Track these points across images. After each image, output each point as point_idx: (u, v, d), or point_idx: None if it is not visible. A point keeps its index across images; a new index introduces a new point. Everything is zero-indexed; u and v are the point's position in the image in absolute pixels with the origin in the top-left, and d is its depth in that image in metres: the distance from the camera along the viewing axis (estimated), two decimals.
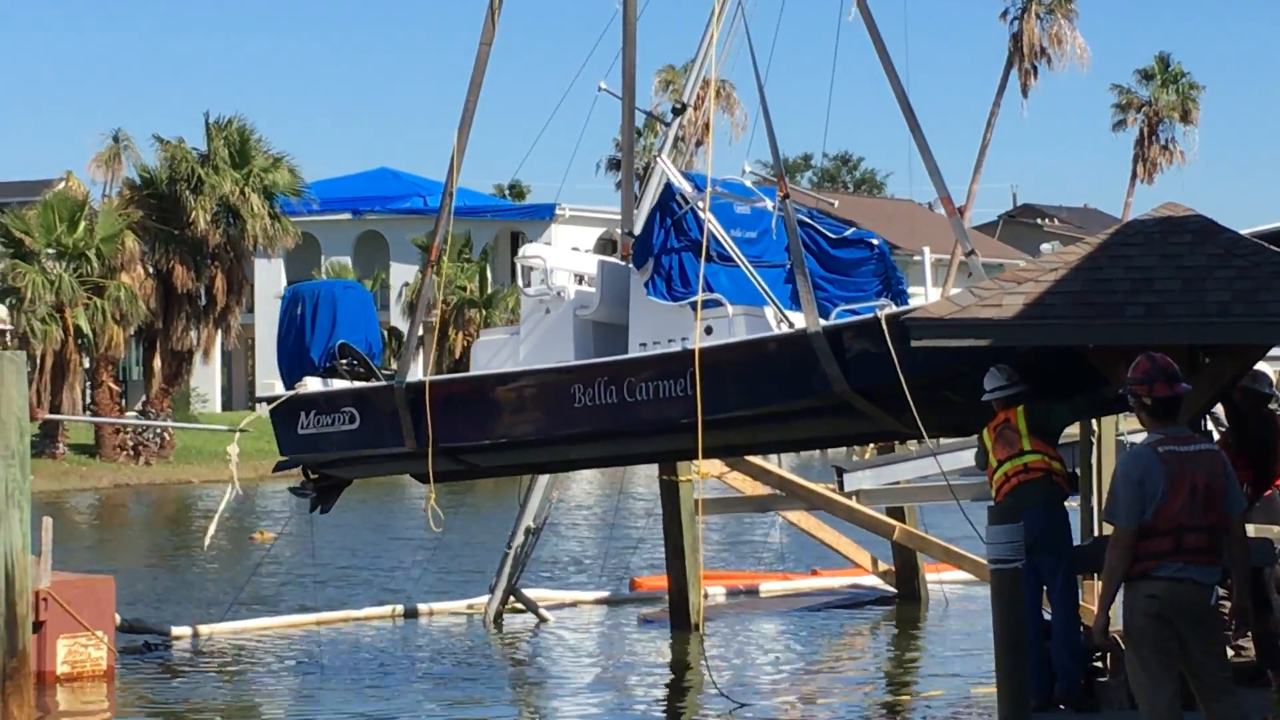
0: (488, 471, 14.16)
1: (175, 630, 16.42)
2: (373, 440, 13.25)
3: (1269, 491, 9.48)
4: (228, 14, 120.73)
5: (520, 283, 14.17)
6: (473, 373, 13.51)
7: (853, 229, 13.05)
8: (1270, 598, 8.98)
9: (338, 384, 13.38)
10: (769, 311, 11.30)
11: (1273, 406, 10.43)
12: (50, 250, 34.83)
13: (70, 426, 36.14)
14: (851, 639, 17.59)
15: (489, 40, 11.75)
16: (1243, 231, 9.34)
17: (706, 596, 16.85)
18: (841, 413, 11.02)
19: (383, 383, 13.19)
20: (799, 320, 11.06)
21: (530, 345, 12.87)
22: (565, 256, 14.16)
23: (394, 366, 14.83)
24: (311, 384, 13.49)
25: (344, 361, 13.53)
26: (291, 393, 13.62)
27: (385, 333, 28.52)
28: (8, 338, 16.18)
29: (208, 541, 15.56)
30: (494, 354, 13.27)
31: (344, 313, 14.13)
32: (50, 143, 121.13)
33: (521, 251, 13.54)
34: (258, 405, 19.33)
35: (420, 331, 15.44)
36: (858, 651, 16.68)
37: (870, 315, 10.35)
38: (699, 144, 31.85)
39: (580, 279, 12.84)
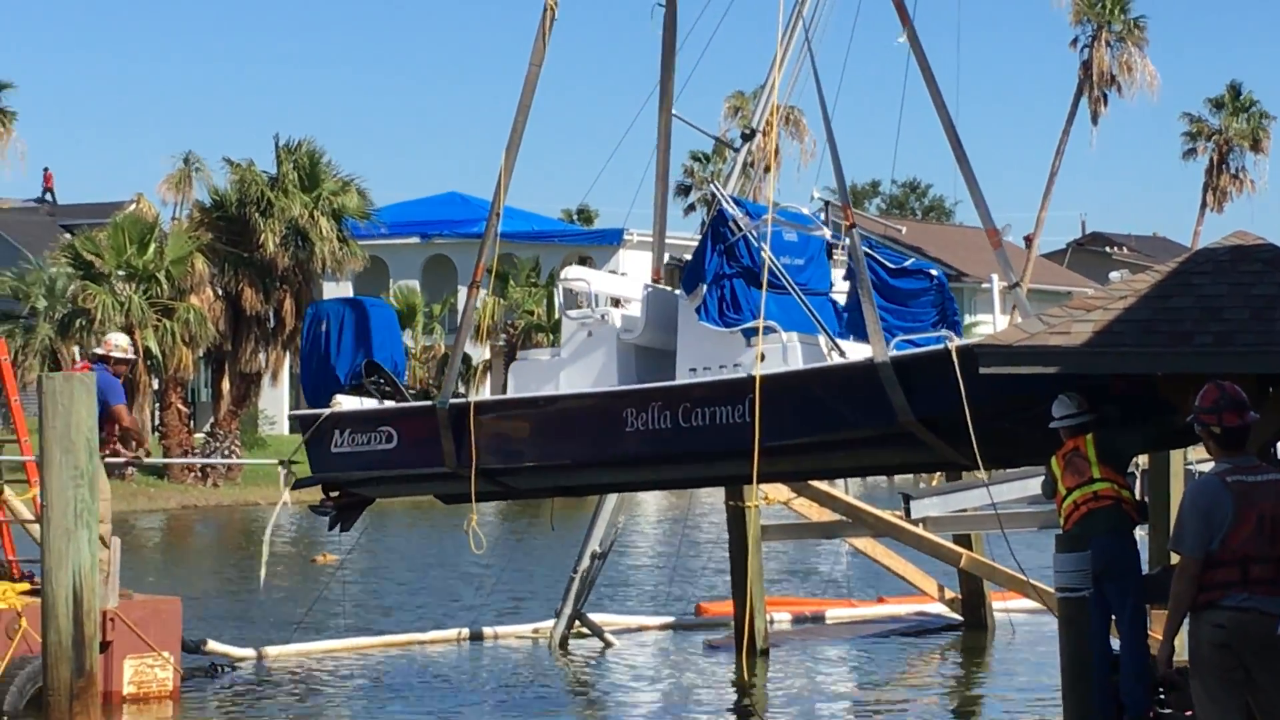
0: (524, 493, 14.37)
1: (240, 652, 16.68)
2: (410, 460, 13.38)
3: None
4: (299, 39, 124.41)
5: (562, 305, 14.42)
6: (521, 394, 13.44)
7: (913, 259, 13.19)
8: None
9: (369, 403, 13.53)
10: (821, 339, 11.42)
11: None
12: (120, 272, 35.50)
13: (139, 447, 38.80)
14: (917, 666, 17.71)
15: (539, 62, 11.97)
16: None
17: (772, 622, 16.96)
18: (902, 442, 11.08)
19: (425, 403, 13.45)
20: (848, 347, 11.26)
21: (572, 368, 12.94)
22: (608, 280, 14.34)
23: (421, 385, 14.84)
24: (346, 402, 13.66)
25: (370, 380, 13.76)
26: (329, 411, 13.68)
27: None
28: (129, 368, 16.64)
29: (263, 573, 15.36)
30: (532, 376, 13.37)
31: (368, 331, 14.36)
32: (121, 165, 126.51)
33: (564, 274, 13.69)
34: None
35: (455, 351, 15.48)
36: (924, 679, 16.76)
37: (940, 346, 10.44)
38: (767, 169, 30.40)
39: (616, 302, 12.89)
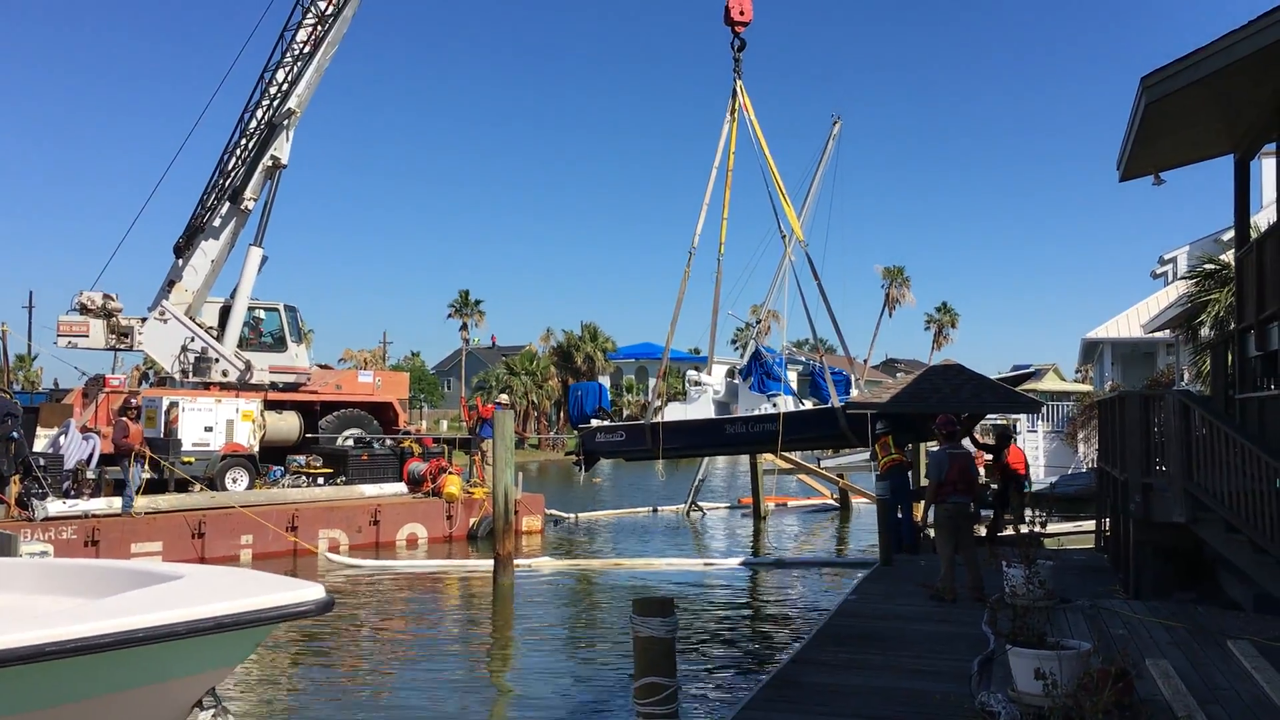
0: (678, 454, 27.64)
1: (565, 514, 32.09)
2: (632, 444, 26.62)
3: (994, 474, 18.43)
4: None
5: (689, 384, 28.65)
6: (677, 419, 26.61)
7: (804, 367, 33.56)
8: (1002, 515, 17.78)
9: (597, 422, 27.46)
10: (791, 399, 26.63)
11: (1010, 435, 20.68)
12: (521, 373, 71.06)
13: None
14: (823, 525, 32.72)
15: (679, 300, 32.41)
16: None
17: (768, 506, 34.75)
18: (840, 436, 23.62)
19: (640, 422, 27.34)
20: (803, 404, 25.81)
21: (692, 410, 27.07)
22: (709, 376, 28.24)
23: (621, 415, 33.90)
24: (595, 423, 27.56)
25: (598, 413, 28.19)
26: (598, 424, 27.50)
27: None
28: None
29: (581, 479, 33.09)
30: (678, 413, 27.03)
31: (593, 395, 28.95)
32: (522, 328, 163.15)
33: (689, 374, 29.32)
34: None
35: (656, 403, 32.01)
36: (824, 532, 32.13)
37: (846, 402, 22.03)
38: (766, 331, 54.36)
39: (699, 383, 27.68)
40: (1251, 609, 11.70)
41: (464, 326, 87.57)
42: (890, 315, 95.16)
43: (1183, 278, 32.52)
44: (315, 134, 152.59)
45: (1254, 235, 16.13)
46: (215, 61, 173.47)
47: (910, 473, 19.04)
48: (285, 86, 28.91)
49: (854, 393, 25.57)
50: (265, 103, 28.97)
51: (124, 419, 24.41)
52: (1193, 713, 7.47)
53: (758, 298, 42.98)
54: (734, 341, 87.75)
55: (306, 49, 28.85)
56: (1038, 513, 20.91)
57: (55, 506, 22.39)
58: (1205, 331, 25.61)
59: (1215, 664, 9.22)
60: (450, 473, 28.91)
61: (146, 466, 24.96)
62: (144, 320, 29.43)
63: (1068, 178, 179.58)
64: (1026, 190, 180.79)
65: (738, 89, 26.97)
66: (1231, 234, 21.08)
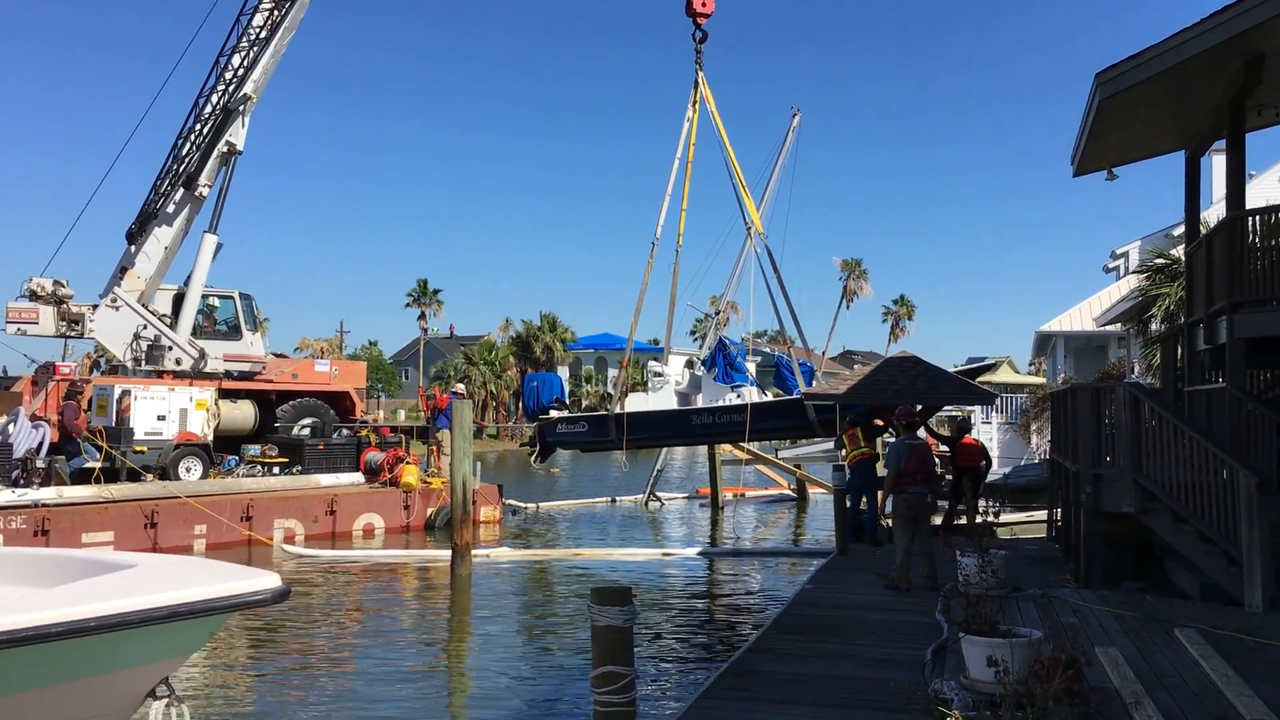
0: (642, 445, 28.02)
1: (522, 504, 32.36)
2: (595, 435, 26.87)
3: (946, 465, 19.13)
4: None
5: (651, 375, 28.65)
6: (644, 409, 26.50)
7: (763, 358, 33.34)
8: (959, 504, 18.17)
9: (555, 413, 27.39)
10: (755, 391, 26.92)
11: (968, 427, 22.11)
12: (480, 364, 69.85)
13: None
14: (780, 514, 32.92)
15: (641, 294, 32.96)
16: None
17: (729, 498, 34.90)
18: (807, 427, 24.57)
19: (604, 412, 28.78)
20: (765, 395, 25.84)
21: (654, 401, 27.13)
22: (669, 367, 28.19)
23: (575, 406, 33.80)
24: (555, 413, 27.55)
25: (555, 404, 28.08)
26: (561, 414, 27.64)
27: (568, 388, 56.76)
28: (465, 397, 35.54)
29: (537, 466, 32.10)
30: (639, 404, 27.21)
31: (550, 386, 28.76)
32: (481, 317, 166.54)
33: (650, 364, 29.35)
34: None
35: (616, 394, 31.95)
36: (781, 521, 32.17)
37: (802, 393, 22.69)
38: (725, 323, 55.90)
39: (660, 374, 27.99)
40: (1199, 598, 11.92)
41: (422, 316, 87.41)
42: (848, 307, 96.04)
43: (1134, 272, 33.05)
44: (272, 120, 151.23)
45: (1204, 231, 16.39)
46: (172, 43, 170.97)
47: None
48: (241, 72, 28.57)
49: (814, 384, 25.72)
50: (220, 88, 28.63)
51: (72, 402, 24.09)
52: (1140, 699, 7.60)
53: (718, 289, 43.14)
54: (693, 333, 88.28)
55: (263, 34, 28.52)
56: (991, 503, 21.10)
57: (4, 495, 21.98)
58: (1156, 325, 26.02)
59: (1163, 651, 9.39)
60: (408, 462, 28.78)
61: (101, 455, 24.64)
62: (95, 307, 29.01)
63: (1023, 173, 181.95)
64: (983, 185, 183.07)
65: (699, 80, 27.03)
66: (1182, 229, 21.43)
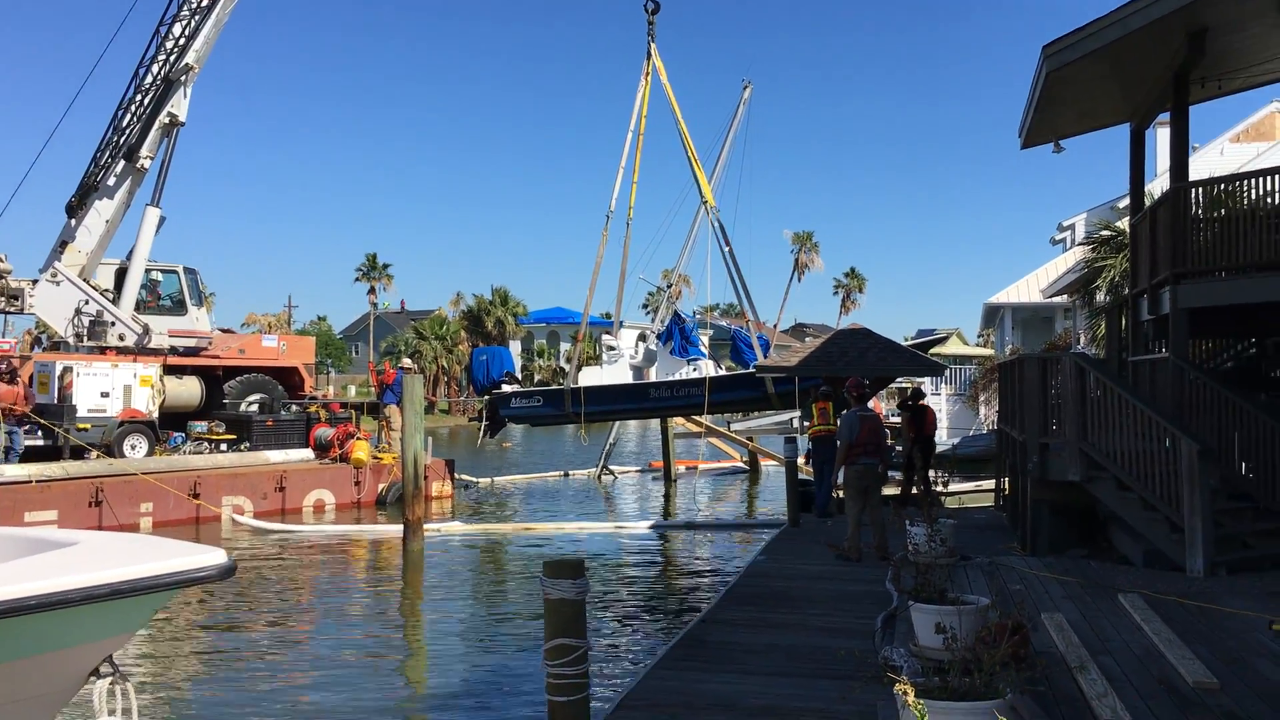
0: (596, 419, 27.40)
1: (474, 478, 32.23)
2: (551, 409, 26.81)
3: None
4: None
5: (604, 349, 29.41)
6: (600, 384, 26.73)
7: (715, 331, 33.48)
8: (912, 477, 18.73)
9: (507, 388, 27.52)
10: (711, 364, 28.59)
11: (923, 399, 20.86)
12: (431, 338, 70.15)
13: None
14: (734, 486, 33.33)
15: (596, 269, 32.80)
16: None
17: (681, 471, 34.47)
18: (765, 399, 24.51)
19: (560, 387, 28.62)
20: (720, 368, 27.32)
21: (609, 374, 27.50)
22: (620, 340, 28.85)
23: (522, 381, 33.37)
24: (507, 388, 27.72)
25: (505, 379, 27.95)
26: (514, 389, 27.88)
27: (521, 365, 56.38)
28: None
29: (482, 441, 32.21)
30: (594, 378, 27.57)
31: (501, 360, 28.70)
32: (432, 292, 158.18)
33: (604, 338, 30.11)
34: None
35: (570, 368, 31.80)
36: (733, 492, 32.51)
37: (755, 365, 23.48)
38: (678, 296, 54.94)
39: (613, 348, 28.90)
40: (1141, 564, 12.16)
41: (372, 290, 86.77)
42: (799, 280, 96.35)
43: (1080, 244, 33.47)
44: (215, 92, 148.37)
45: (1148, 203, 16.62)
46: (112, 9, 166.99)
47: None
48: (182, 41, 28.01)
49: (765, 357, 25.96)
50: (161, 58, 28.06)
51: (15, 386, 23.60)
52: (1085, 663, 7.73)
53: (670, 262, 43.23)
54: (645, 306, 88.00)
55: (204, 2, 27.93)
56: (940, 473, 21.35)
57: None
58: (1101, 296, 26.40)
59: (1107, 617, 9.57)
60: (358, 438, 28.51)
61: (39, 431, 24.19)
62: (35, 282, 28.49)
63: (971, 146, 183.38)
64: (932, 158, 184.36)
65: (651, 51, 26.92)
66: (1127, 201, 21.70)
